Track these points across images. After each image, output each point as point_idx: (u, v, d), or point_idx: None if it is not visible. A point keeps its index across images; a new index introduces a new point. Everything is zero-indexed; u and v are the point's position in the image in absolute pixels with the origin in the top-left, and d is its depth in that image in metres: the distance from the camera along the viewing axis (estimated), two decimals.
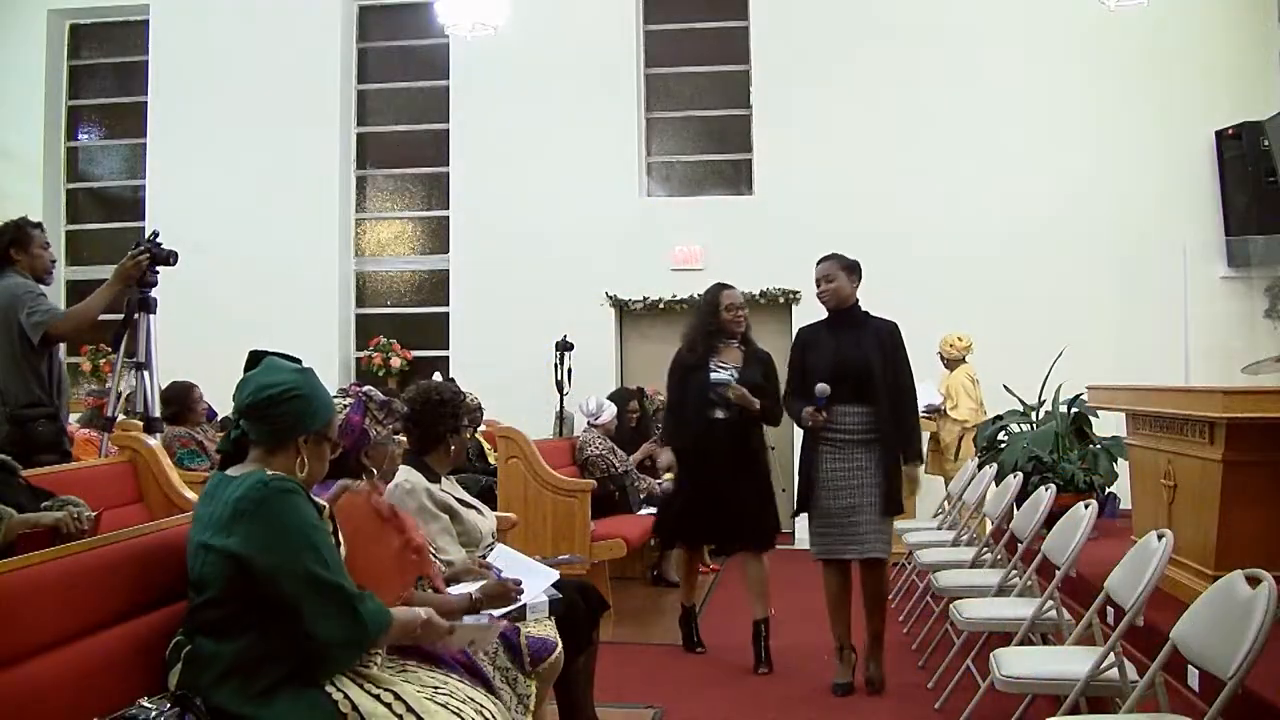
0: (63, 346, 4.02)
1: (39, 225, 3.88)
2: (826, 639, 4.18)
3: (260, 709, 1.94)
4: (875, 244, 6.28)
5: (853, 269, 4.13)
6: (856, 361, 3.98)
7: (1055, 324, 7.51)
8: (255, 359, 2.21)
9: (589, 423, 6.38)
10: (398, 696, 2.07)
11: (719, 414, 4.42)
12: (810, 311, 7.68)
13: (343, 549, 2.21)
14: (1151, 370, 6.76)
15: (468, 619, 2.48)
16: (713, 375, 4.44)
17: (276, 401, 2.10)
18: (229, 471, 2.12)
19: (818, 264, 4.15)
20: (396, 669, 2.26)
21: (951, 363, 7.19)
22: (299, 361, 2.23)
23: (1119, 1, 6.58)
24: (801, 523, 4.36)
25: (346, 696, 2.03)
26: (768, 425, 4.59)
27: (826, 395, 3.94)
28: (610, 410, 6.37)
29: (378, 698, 2.05)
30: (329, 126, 9.12)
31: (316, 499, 2.16)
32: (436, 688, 2.19)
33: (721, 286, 4.60)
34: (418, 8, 9.00)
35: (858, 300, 4.14)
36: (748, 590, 4.50)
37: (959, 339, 7.16)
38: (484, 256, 8.78)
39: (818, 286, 4.14)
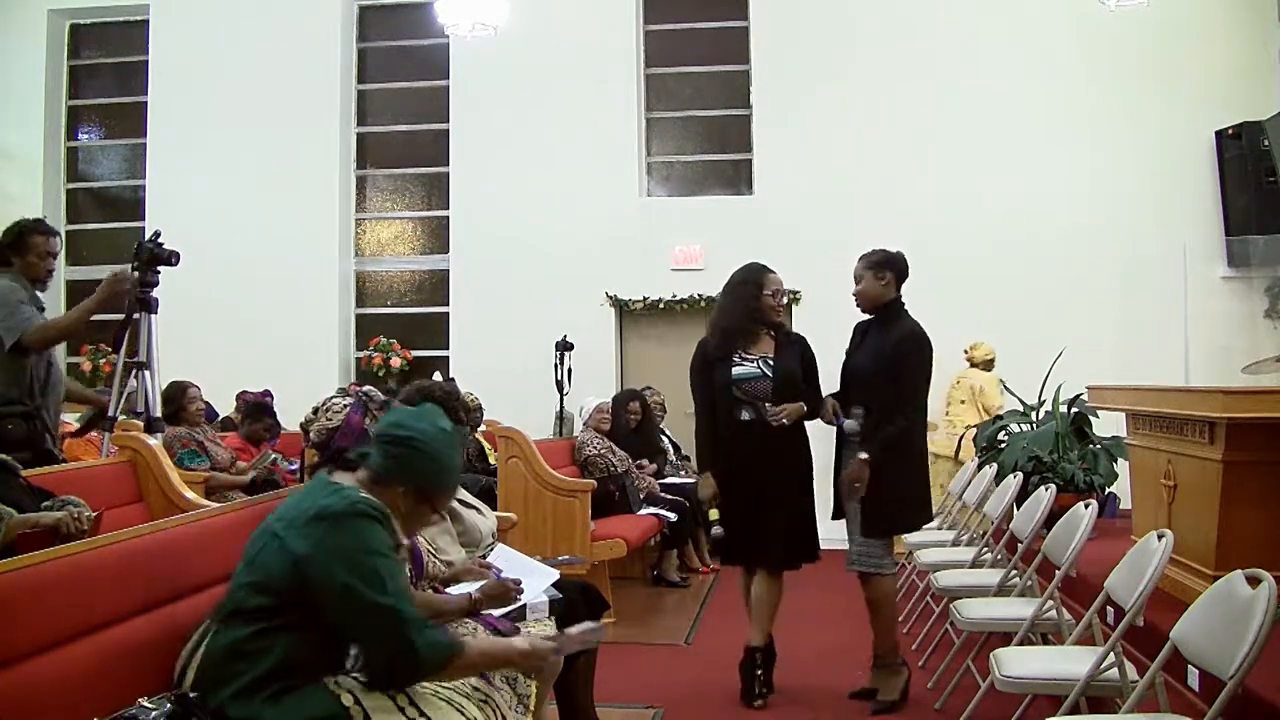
0: (57, 349, 4.03)
1: (47, 231, 3.86)
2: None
3: (268, 706, 1.95)
4: (875, 244, 6.15)
5: (881, 265, 3.87)
6: (857, 366, 3.94)
7: (1055, 324, 7.52)
8: (427, 396, 2.39)
9: (584, 423, 6.41)
10: (402, 689, 2.07)
11: (744, 415, 3.93)
12: (809, 312, 7.78)
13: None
14: (1151, 370, 6.77)
15: (574, 629, 2.31)
16: (734, 370, 3.93)
17: (402, 442, 2.14)
18: (334, 477, 2.16)
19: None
20: None
21: (973, 367, 7.51)
22: (462, 425, 2.30)
23: (1119, 1, 6.58)
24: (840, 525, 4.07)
25: (350, 691, 2.04)
26: (809, 419, 4.03)
27: (855, 432, 3.78)
28: (591, 404, 6.39)
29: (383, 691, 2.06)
30: (329, 126, 9.12)
31: (401, 536, 2.16)
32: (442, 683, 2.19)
33: (764, 268, 4.05)
34: (418, 8, 9.00)
35: (896, 299, 3.91)
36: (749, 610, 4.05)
37: (972, 347, 7.36)
38: (484, 256, 8.77)
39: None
